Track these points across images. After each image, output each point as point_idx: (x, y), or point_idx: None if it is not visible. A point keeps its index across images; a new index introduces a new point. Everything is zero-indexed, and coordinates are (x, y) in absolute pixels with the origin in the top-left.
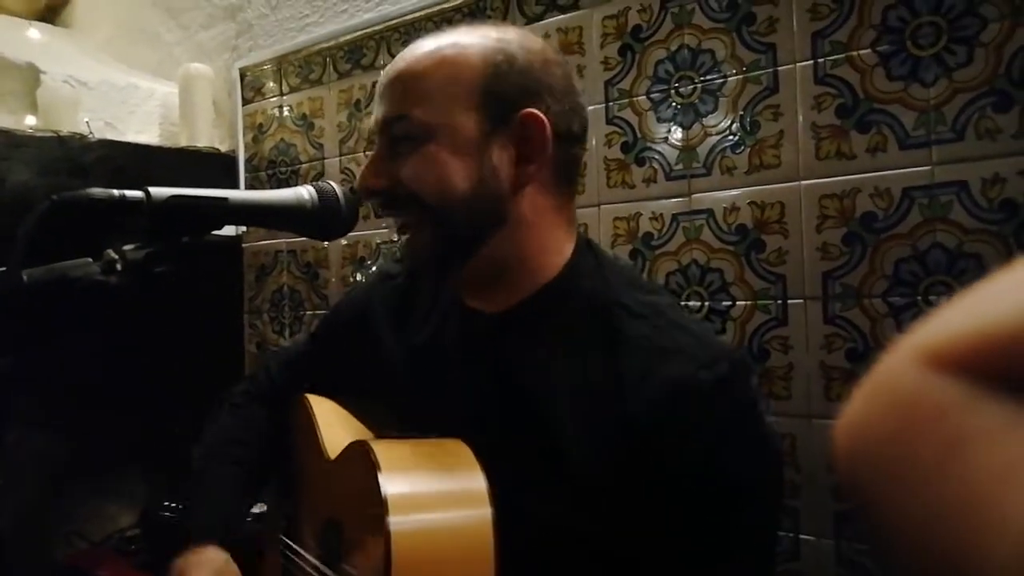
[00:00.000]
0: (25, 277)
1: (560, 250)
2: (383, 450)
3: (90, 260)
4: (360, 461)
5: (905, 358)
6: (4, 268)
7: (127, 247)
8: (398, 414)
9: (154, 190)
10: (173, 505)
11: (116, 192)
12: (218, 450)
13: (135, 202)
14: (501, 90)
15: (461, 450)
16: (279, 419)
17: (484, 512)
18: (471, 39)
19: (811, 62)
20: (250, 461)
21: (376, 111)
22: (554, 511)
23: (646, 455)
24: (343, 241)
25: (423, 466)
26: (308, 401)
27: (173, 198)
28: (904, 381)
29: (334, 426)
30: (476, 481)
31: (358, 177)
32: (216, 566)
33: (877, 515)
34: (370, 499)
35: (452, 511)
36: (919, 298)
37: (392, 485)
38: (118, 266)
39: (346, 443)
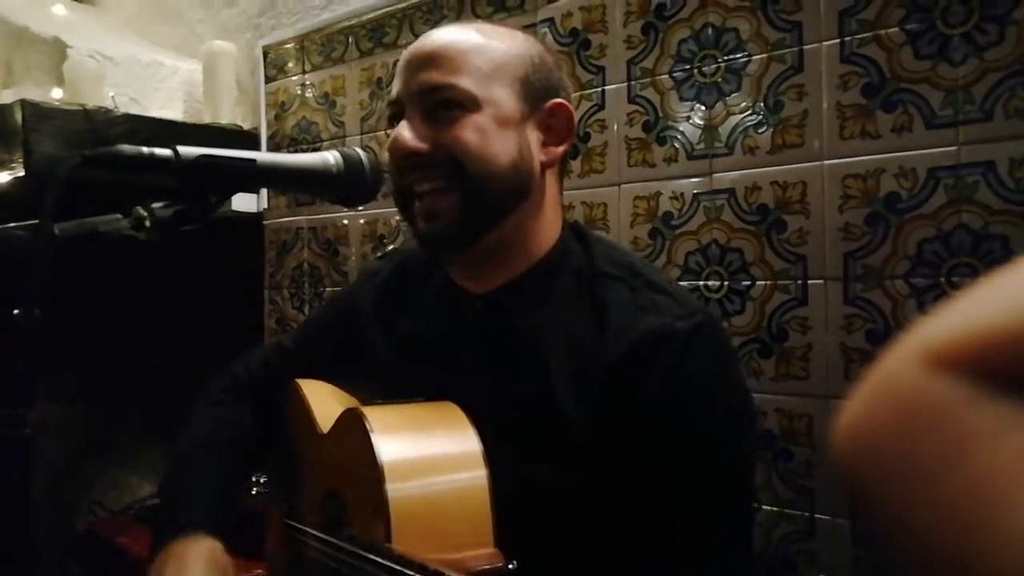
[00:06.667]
0: (56, 230)
1: (553, 232)
2: (376, 415)
3: (120, 216)
4: (354, 428)
5: (907, 358)
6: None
7: (156, 205)
8: (393, 394)
9: (183, 148)
10: None
11: (145, 149)
12: (200, 443)
13: (164, 159)
14: (536, 79)
15: (453, 412)
16: (263, 412)
17: (480, 473)
18: (506, 31)
19: (837, 41)
20: (235, 452)
21: (409, 81)
22: (551, 470)
23: (628, 397)
24: (362, 220)
25: (416, 429)
26: (299, 385)
27: (202, 157)
28: (906, 381)
29: (326, 403)
30: (470, 442)
31: (393, 139)
32: (209, 556)
33: (879, 515)
34: (366, 465)
35: (448, 474)
36: (942, 279)
37: (387, 450)
38: (147, 223)
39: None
